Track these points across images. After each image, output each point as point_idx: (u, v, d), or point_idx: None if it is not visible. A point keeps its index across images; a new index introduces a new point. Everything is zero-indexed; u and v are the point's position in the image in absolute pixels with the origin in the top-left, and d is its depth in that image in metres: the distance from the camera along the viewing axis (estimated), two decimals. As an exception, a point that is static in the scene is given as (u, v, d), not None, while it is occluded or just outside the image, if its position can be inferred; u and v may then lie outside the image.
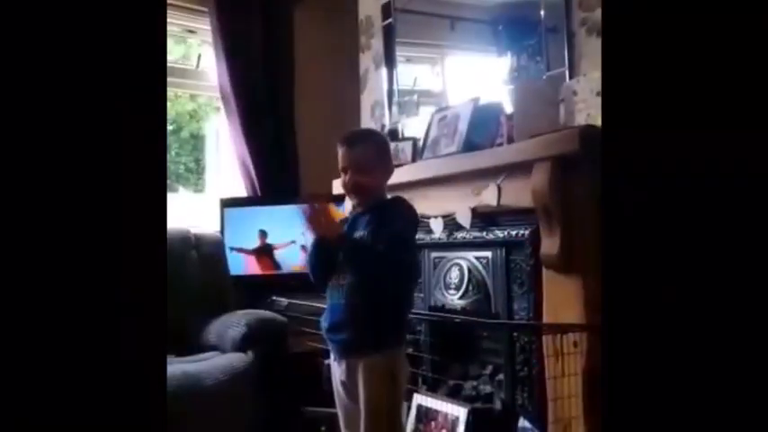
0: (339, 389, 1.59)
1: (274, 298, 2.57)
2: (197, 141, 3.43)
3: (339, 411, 1.63)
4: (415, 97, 2.84)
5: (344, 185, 1.60)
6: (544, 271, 1.80)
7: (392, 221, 1.52)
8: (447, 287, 2.18)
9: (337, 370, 1.58)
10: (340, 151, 1.60)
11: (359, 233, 1.56)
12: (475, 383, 2.11)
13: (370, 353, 1.50)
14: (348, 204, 2.48)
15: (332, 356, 1.61)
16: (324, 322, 1.60)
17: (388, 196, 1.65)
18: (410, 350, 2.22)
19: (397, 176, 2.10)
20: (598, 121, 1.72)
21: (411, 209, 1.61)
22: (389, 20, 2.84)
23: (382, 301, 1.49)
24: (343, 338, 1.54)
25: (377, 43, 2.99)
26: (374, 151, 1.60)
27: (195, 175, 3.43)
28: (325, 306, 1.62)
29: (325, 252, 1.54)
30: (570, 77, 1.98)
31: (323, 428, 2.29)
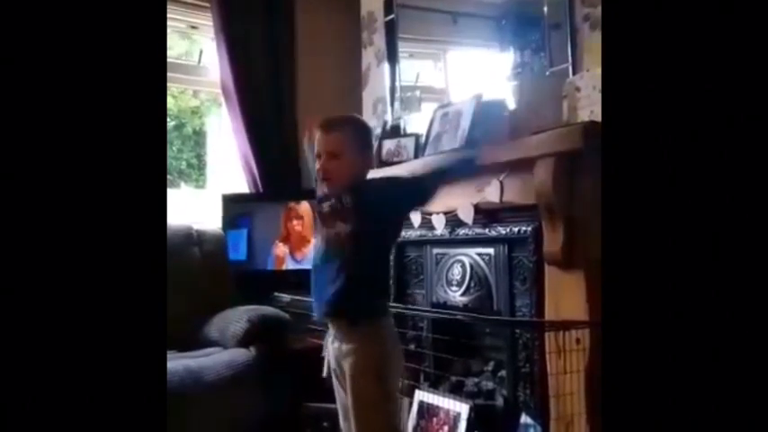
0: (333, 378, 1.56)
1: (276, 294, 2.57)
2: (199, 137, 3.43)
3: (338, 404, 1.60)
4: (418, 93, 2.83)
5: (317, 171, 1.52)
6: (547, 268, 1.80)
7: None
8: (449, 284, 2.18)
9: (332, 358, 1.53)
10: (316, 136, 1.52)
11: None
12: (477, 380, 2.11)
13: (353, 322, 1.46)
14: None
15: (327, 340, 1.57)
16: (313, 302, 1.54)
17: None
18: (412, 346, 2.22)
19: (399, 172, 2.10)
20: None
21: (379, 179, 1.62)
22: (391, 15, 2.83)
23: (365, 268, 1.45)
24: (324, 308, 1.48)
25: (379, 39, 2.98)
26: (351, 138, 1.52)
27: (197, 171, 3.43)
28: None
29: None
30: (573, 73, 1.98)
31: (325, 424, 2.29)
